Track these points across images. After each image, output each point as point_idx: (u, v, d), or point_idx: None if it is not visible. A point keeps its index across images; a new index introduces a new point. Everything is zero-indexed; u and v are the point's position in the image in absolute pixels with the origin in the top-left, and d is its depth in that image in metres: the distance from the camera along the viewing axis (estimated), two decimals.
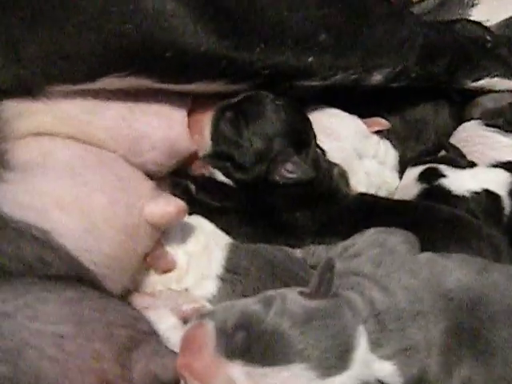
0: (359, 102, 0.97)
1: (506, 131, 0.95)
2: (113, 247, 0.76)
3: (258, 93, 0.87)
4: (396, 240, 0.77)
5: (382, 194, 0.95)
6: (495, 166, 0.91)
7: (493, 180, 0.89)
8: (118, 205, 0.77)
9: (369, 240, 0.78)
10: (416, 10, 1.17)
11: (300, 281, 0.77)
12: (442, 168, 0.91)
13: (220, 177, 0.88)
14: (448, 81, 0.97)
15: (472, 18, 1.13)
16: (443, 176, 0.89)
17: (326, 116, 0.95)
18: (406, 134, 1.01)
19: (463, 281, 0.68)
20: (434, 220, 0.83)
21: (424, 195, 0.90)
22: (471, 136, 0.96)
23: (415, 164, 0.94)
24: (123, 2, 0.74)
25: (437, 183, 0.89)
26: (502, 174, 0.89)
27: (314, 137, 0.89)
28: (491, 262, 0.75)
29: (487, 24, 1.13)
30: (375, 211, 0.86)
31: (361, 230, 0.78)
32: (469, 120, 1.00)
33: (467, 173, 0.90)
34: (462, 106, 1.05)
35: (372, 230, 0.80)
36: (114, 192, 0.77)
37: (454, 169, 0.90)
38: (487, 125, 0.97)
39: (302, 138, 0.88)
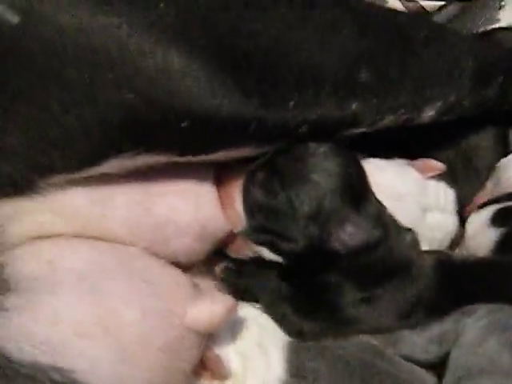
0: (397, 142, 0.83)
1: None
2: (154, 372, 0.61)
3: (292, 142, 0.72)
4: None
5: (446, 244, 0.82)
6: None
7: None
8: (153, 317, 0.61)
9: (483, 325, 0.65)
10: (437, 18, 1.03)
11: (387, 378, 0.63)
12: None
13: (267, 254, 0.73)
14: (501, 103, 0.84)
15: (501, 23, 1.01)
16: None
17: (376, 170, 0.78)
18: (460, 169, 0.88)
19: None
20: None
21: (503, 242, 0.76)
22: None
23: (480, 206, 0.81)
24: (118, 65, 0.59)
25: None
26: None
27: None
28: None
29: None
30: (465, 279, 0.73)
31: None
32: None
33: None
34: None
35: (480, 311, 0.66)
36: (146, 301, 0.62)
37: None
38: None
39: (359, 191, 0.71)
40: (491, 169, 0.89)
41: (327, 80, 0.68)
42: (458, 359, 0.64)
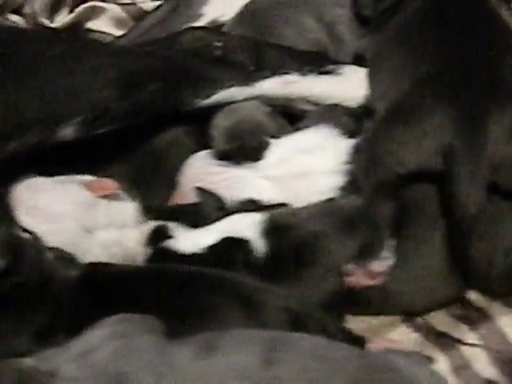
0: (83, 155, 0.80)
1: (237, 162, 0.80)
2: None
3: None
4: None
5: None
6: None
7: (236, 226, 0.74)
8: None
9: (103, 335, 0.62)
10: (150, 20, 1.01)
11: None
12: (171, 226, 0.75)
13: None
14: (172, 106, 0.81)
15: (205, 18, 0.98)
16: (171, 237, 0.74)
17: (32, 192, 0.76)
18: (150, 172, 0.86)
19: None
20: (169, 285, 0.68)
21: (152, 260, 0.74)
22: (199, 174, 0.80)
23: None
24: None
25: (163, 245, 0.74)
26: (247, 217, 0.74)
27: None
28: (281, 337, 0.60)
29: (222, 19, 0.98)
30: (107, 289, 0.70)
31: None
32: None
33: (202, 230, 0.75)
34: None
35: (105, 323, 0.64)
36: None
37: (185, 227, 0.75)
38: (218, 157, 0.81)
39: None
40: None
41: None
42: None
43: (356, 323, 0.76)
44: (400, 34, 0.86)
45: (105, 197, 0.79)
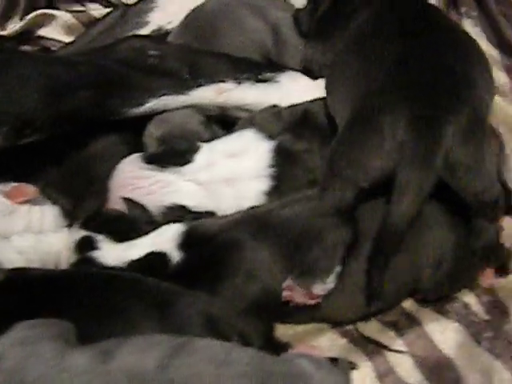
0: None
1: (165, 166, 0.80)
2: None
3: None
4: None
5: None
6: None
7: (159, 240, 0.74)
8: None
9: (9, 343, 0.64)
10: (99, 27, 1.02)
11: None
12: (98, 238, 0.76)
13: None
14: (103, 114, 0.81)
15: (151, 25, 0.99)
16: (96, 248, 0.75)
17: None
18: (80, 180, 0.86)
19: None
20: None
21: None
22: (127, 178, 0.80)
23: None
24: None
25: (88, 256, 0.75)
26: (169, 230, 0.75)
27: None
28: (186, 343, 0.60)
29: (168, 27, 0.99)
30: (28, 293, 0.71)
31: None
32: None
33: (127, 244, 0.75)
34: None
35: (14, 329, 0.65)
36: None
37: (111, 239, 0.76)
38: (147, 160, 0.81)
39: None
40: None
41: None
42: None
43: (285, 329, 0.77)
44: (355, 43, 0.86)
45: (25, 203, 0.81)
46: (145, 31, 0.98)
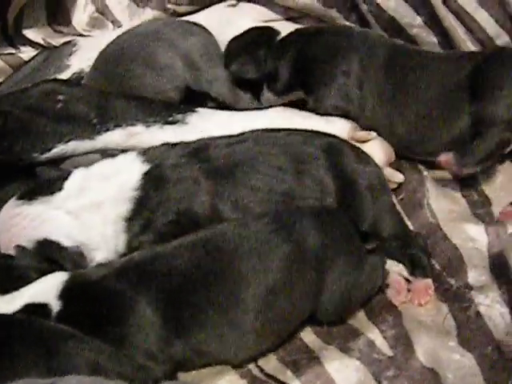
0: None
1: (34, 198, 0.79)
2: None
3: None
4: None
5: None
6: None
7: (40, 290, 0.73)
8: None
9: None
10: (24, 70, 1.04)
11: None
12: None
13: None
14: (9, 160, 0.83)
15: (71, 69, 1.01)
16: None
17: None
18: None
19: None
20: None
21: None
22: (5, 221, 0.79)
23: None
24: None
25: None
26: (49, 279, 0.74)
27: None
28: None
29: (88, 70, 1.00)
30: None
31: None
32: None
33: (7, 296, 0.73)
34: None
35: None
36: None
37: None
38: (18, 197, 0.80)
39: None
40: None
41: None
42: None
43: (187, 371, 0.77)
44: None
45: None
46: (66, 75, 1.01)
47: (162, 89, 0.95)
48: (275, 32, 0.98)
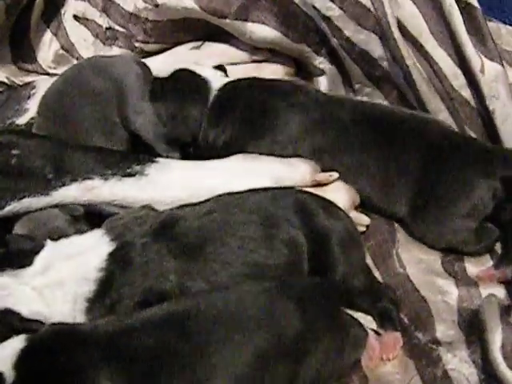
0: None
1: (3, 269, 0.77)
2: None
3: None
4: None
5: None
6: None
7: None
8: None
9: None
10: None
11: None
12: None
13: None
14: None
15: (29, 113, 0.98)
16: None
17: None
18: None
19: None
20: None
21: None
22: None
23: None
24: None
25: None
26: (5, 347, 0.70)
27: None
28: None
29: None
30: None
31: None
32: None
33: None
34: None
35: None
36: None
37: None
38: None
39: None
40: None
41: None
42: None
43: None
44: None
45: None
46: (23, 119, 0.97)
47: (103, 116, 0.93)
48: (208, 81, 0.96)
